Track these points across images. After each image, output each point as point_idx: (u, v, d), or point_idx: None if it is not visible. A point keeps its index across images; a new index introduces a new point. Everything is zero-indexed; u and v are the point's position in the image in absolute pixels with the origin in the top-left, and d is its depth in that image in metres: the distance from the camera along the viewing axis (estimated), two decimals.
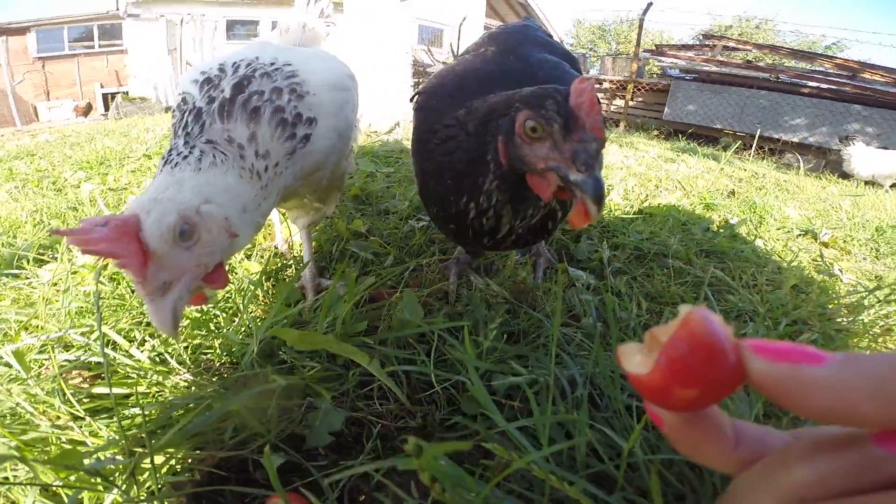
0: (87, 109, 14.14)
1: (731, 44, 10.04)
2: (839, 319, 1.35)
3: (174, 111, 0.96)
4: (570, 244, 1.67)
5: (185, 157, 0.76)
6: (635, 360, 0.35)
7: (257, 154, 0.85)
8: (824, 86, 7.83)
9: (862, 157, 5.63)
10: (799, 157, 6.51)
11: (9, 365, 0.95)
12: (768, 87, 7.97)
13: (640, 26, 9.06)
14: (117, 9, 13.28)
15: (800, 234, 2.28)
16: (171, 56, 13.19)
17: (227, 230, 0.76)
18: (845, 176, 5.87)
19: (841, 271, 1.80)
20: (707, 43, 10.03)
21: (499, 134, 0.79)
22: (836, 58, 8.89)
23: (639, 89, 9.40)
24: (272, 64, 0.96)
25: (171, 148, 0.80)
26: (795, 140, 7.58)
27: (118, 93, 13.58)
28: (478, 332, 1.07)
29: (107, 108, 13.50)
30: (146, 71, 13.29)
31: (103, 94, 14.37)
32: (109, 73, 14.62)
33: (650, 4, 8.61)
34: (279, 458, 0.77)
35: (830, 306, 1.42)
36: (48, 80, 14.37)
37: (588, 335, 1.11)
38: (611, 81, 10.01)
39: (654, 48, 10.32)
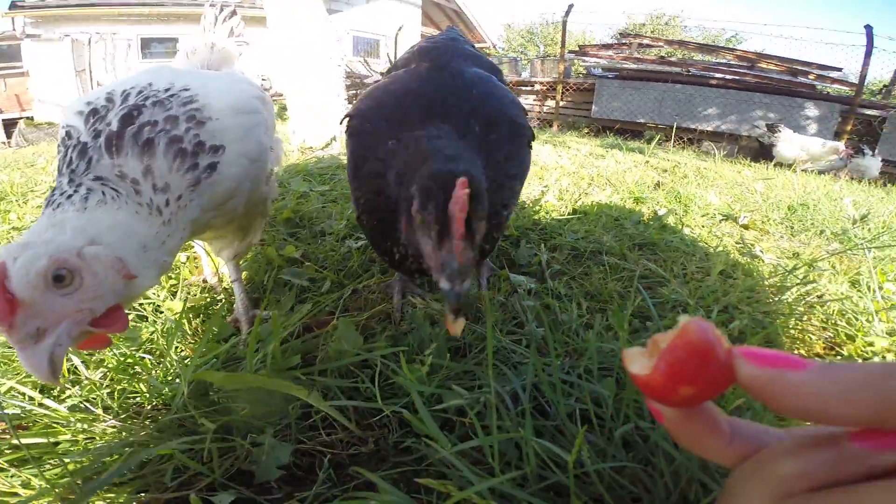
0: None
1: (646, 41, 10.72)
2: (767, 301, 1.45)
3: (59, 146, 0.87)
4: (511, 249, 1.69)
5: (69, 196, 0.70)
6: (638, 362, 0.40)
7: (155, 188, 0.79)
8: (729, 77, 8.56)
9: (788, 142, 6.25)
10: (713, 145, 7.06)
11: None
12: (682, 80, 8.60)
13: (564, 28, 9.46)
14: (13, 29, 12.14)
15: (722, 220, 2.45)
16: (80, 77, 12.23)
17: (120, 271, 0.71)
18: (756, 159, 6.43)
19: (762, 252, 1.94)
20: (624, 41, 10.64)
21: (403, 208, 0.79)
22: (736, 50, 9.74)
23: (567, 90, 9.80)
24: (167, 90, 0.90)
25: (55, 188, 0.74)
26: (709, 129, 8.21)
27: (20, 118, 12.38)
28: (422, 351, 1.05)
29: (8, 135, 12.22)
30: (52, 94, 12.23)
31: (3, 121, 12.99)
32: (9, 97, 13.25)
33: (571, 6, 9.03)
34: (229, 496, 0.76)
35: (757, 289, 1.52)
36: None
37: (533, 341, 1.12)
38: (541, 83, 10.37)
39: (577, 49, 10.81)
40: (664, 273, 1.55)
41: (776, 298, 1.46)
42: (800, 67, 8.43)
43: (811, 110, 7.74)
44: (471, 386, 0.96)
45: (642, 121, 8.80)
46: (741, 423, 0.41)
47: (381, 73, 10.37)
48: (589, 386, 0.88)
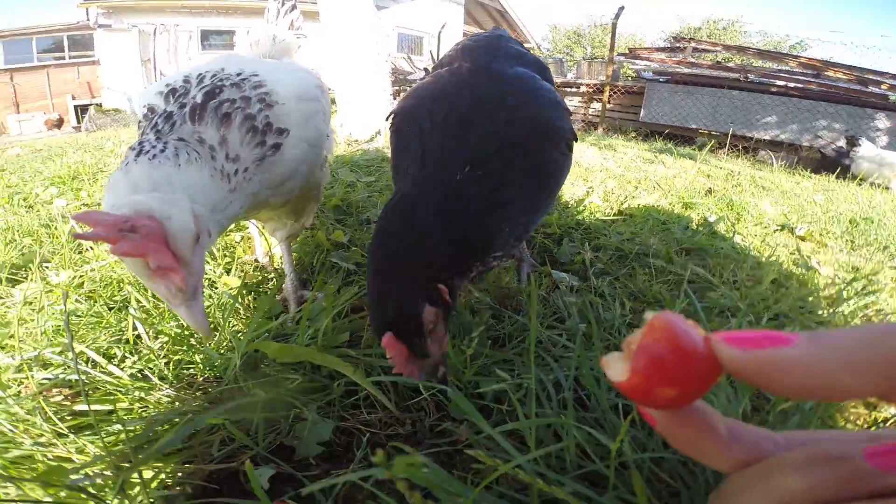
0: (59, 122, 13.73)
1: (702, 45, 10.30)
2: (820, 312, 1.38)
3: (140, 122, 0.94)
4: (553, 247, 1.68)
5: (162, 150, 0.74)
6: (616, 367, 0.37)
7: (227, 157, 0.84)
8: (791, 84, 8.08)
9: (869, 156, 5.72)
10: (772, 154, 6.70)
11: None
12: (738, 86, 8.19)
13: (614, 30, 9.22)
14: (87, 19, 13.00)
15: (776, 230, 2.34)
16: (145, 67, 12.97)
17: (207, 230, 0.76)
18: (818, 170, 6.06)
19: (819, 264, 1.84)
20: (678, 45, 10.27)
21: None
22: (801, 57, 9.19)
23: (615, 92, 9.56)
24: (239, 75, 0.96)
25: (142, 141, 0.77)
26: (767, 137, 7.80)
27: (91, 105, 13.28)
28: (462, 338, 1.07)
29: (79, 120, 13.14)
30: (119, 82, 13.03)
31: (75, 107, 13.96)
32: (81, 84, 14.25)
33: (622, 9, 8.78)
34: (269, 470, 0.78)
35: (811, 299, 1.45)
36: (17, 93, 13.94)
37: (573, 337, 1.11)
38: (587, 85, 10.16)
39: (627, 51, 10.52)
40: (712, 278, 1.50)
41: (831, 310, 1.39)
42: (871, 77, 7.87)
43: (882, 122, 7.21)
44: (510, 375, 0.97)
45: (694, 126, 8.46)
46: (740, 427, 0.39)
47: (425, 70, 10.48)
48: None
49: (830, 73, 8.13)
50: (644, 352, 0.35)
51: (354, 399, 0.95)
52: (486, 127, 0.93)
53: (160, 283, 0.65)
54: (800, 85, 8.01)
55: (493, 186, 0.89)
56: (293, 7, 1.67)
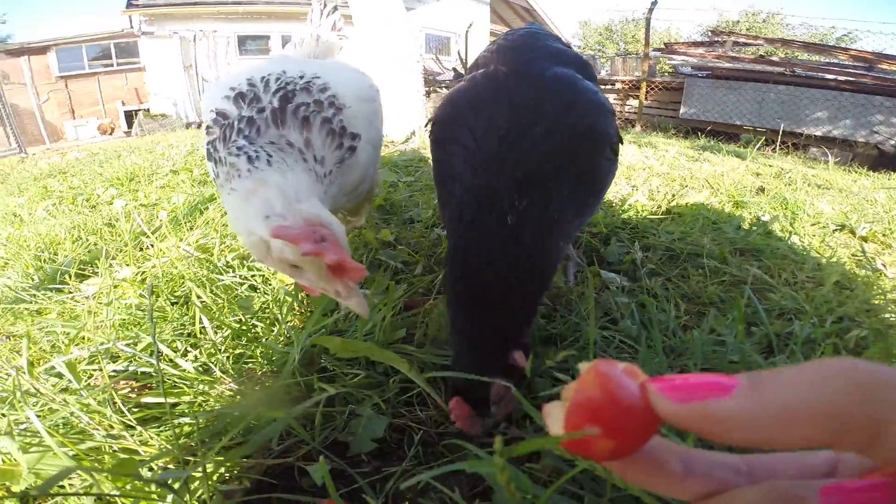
0: (113, 127, 14.49)
1: (742, 39, 9.85)
2: (887, 315, 1.30)
3: (209, 127, 0.93)
4: (600, 247, 1.65)
5: (257, 155, 0.77)
6: (556, 417, 0.36)
7: (315, 159, 0.86)
8: (842, 78, 7.62)
9: None
10: (827, 150, 6.34)
11: (60, 375, 0.98)
12: (784, 81, 7.79)
13: (648, 25, 8.97)
14: (131, 27, 13.61)
15: (836, 230, 2.22)
16: (187, 73, 13.49)
17: None
18: (875, 168, 5.70)
19: (885, 266, 1.74)
20: (717, 39, 9.86)
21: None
22: (851, 49, 8.63)
23: (652, 88, 9.29)
24: (302, 77, 0.96)
25: (240, 146, 0.80)
26: (818, 133, 7.38)
27: (139, 110, 13.93)
28: None
29: (129, 125, 13.82)
30: (164, 88, 13.62)
31: (125, 112, 14.70)
32: (129, 90, 14.96)
33: (655, 2, 8.53)
34: (325, 466, 0.78)
35: (876, 302, 1.37)
36: (72, 99, 14.79)
37: (628, 337, 1.09)
38: (622, 82, 9.92)
39: (663, 46, 10.20)
40: (771, 280, 1.44)
41: None
42: None
43: None
44: (558, 377, 0.96)
45: (739, 123, 8.10)
46: (697, 456, 0.37)
47: (454, 70, 10.45)
48: None
49: (885, 66, 7.62)
50: (578, 406, 0.33)
51: (408, 396, 0.96)
52: (527, 141, 0.90)
53: (337, 282, 0.71)
54: (851, 78, 7.55)
55: (542, 208, 0.88)
56: (335, 9, 1.69)
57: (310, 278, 0.72)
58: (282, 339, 1.14)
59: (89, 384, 1.01)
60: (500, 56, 1.18)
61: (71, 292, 1.42)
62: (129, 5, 12.68)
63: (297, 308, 1.30)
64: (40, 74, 14.25)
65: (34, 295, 1.41)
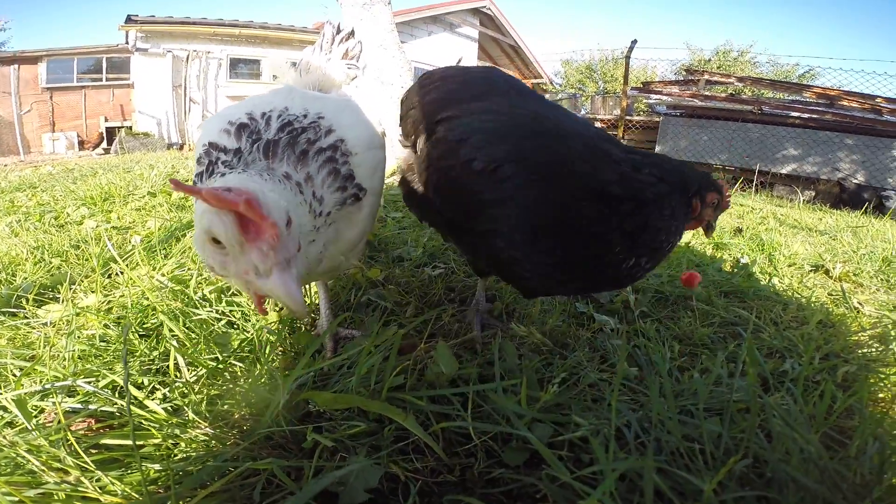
0: (98, 142, 14.13)
1: (714, 77, 10.32)
2: (871, 350, 1.33)
3: (201, 158, 0.89)
4: None
5: (255, 173, 0.76)
6: None
7: (314, 196, 0.83)
8: (806, 115, 8.02)
9: None
10: (796, 188, 6.61)
11: (5, 409, 0.89)
12: (753, 119, 8.15)
13: (627, 65, 9.33)
14: (127, 42, 13.50)
15: (811, 270, 2.28)
16: (175, 92, 13.39)
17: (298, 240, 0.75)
18: (836, 206, 5.96)
19: (860, 304, 1.78)
20: (691, 78, 10.32)
21: None
22: (815, 87, 9.12)
23: (629, 127, 9.61)
24: (305, 116, 0.93)
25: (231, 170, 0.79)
26: (785, 171, 7.71)
27: (122, 127, 13.67)
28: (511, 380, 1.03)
29: (109, 141, 13.51)
30: (150, 106, 13.46)
31: (107, 128, 14.36)
32: (114, 106, 14.68)
33: (634, 42, 8.91)
34: None
35: (859, 339, 1.40)
36: (54, 111, 14.43)
37: (626, 380, 1.07)
38: (602, 121, 10.26)
39: (641, 85, 10.62)
40: (757, 321, 1.46)
41: (882, 348, 1.34)
42: (886, 105, 7.77)
43: None
44: (561, 421, 0.92)
45: (711, 162, 8.42)
46: None
47: None
48: (705, 425, 0.82)
49: (844, 103, 8.06)
50: None
51: (403, 444, 0.90)
52: None
53: (252, 250, 0.64)
54: (815, 115, 7.95)
55: None
56: (351, 34, 1.55)
57: (232, 262, 0.67)
58: (262, 380, 1.06)
59: (40, 421, 0.92)
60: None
61: (27, 318, 1.31)
62: (129, 20, 12.60)
63: (280, 347, 1.23)
64: (28, 84, 13.94)
65: None
